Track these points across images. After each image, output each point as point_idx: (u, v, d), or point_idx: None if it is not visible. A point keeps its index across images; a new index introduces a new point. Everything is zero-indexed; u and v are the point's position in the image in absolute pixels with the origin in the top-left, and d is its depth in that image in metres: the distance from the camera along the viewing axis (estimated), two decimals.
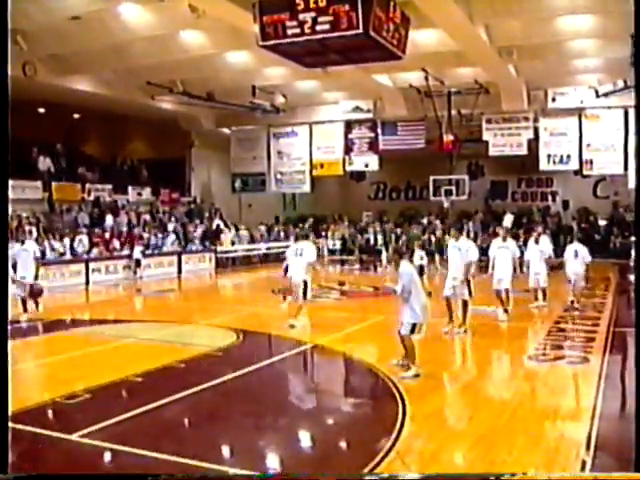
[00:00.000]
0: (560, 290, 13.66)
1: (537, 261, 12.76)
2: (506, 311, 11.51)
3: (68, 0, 14.61)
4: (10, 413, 4.31)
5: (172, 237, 23.19)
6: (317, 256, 12.26)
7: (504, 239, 11.87)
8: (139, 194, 24.87)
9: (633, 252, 17.65)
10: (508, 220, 24.91)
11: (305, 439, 6.12)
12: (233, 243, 25.03)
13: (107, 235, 21.10)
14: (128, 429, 6.00)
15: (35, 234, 17.47)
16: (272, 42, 10.11)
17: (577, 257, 12.72)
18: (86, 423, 5.95)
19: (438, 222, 26.11)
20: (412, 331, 7.85)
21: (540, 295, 12.88)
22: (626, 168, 21.81)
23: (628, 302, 13.99)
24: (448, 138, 22.09)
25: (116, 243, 20.76)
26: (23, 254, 12.04)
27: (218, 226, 25.43)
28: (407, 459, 5.24)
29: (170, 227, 23.83)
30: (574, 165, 23.25)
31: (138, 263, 20.05)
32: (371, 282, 17.83)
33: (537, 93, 22.43)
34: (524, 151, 23.45)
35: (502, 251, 11.64)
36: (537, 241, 13.11)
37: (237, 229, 26.02)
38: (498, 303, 12.34)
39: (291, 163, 26.75)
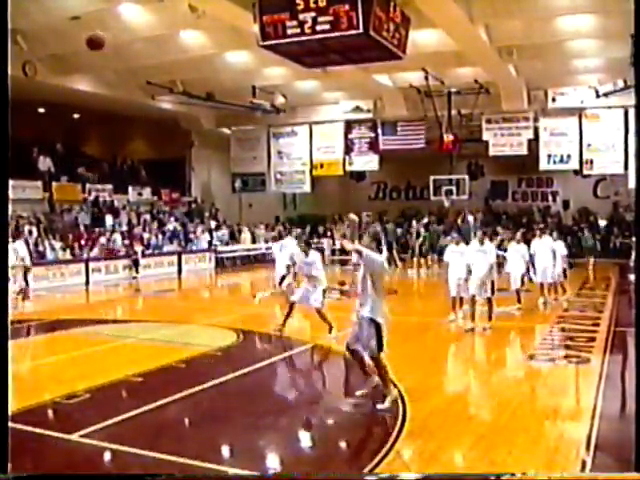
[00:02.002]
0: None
1: (514, 262, 12.52)
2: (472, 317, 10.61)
3: (68, 0, 14.61)
4: (10, 413, 4.31)
5: (206, 236, 23.76)
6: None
7: (481, 242, 10.98)
8: (139, 194, 24.88)
9: (633, 252, 17.63)
10: (470, 220, 24.95)
11: (305, 439, 6.12)
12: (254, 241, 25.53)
13: (108, 235, 21.14)
14: (128, 429, 6.00)
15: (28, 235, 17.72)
16: (272, 42, 10.14)
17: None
18: (86, 423, 5.94)
19: (414, 223, 26.10)
20: (380, 345, 6.47)
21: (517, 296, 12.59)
22: (626, 168, 21.80)
23: (628, 302, 13.99)
24: (448, 138, 22.09)
25: (117, 243, 20.78)
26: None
27: (218, 226, 25.61)
28: (407, 459, 5.24)
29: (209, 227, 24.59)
30: (574, 165, 23.25)
31: (137, 263, 20.11)
32: None
33: (537, 93, 22.43)
34: (524, 151, 23.44)
35: (479, 255, 10.79)
36: (518, 242, 12.93)
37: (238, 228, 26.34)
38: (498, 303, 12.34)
39: (291, 163, 26.74)
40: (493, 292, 10.78)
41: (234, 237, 25.90)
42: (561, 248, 13.66)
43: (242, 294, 19.10)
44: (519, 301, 12.50)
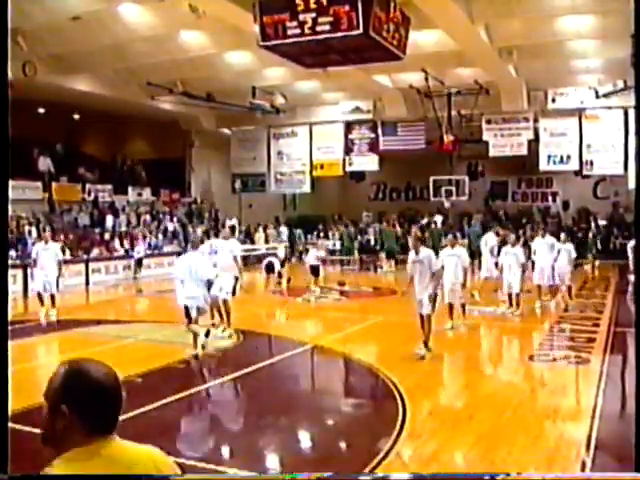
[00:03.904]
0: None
1: (509, 266, 11.87)
2: (451, 328, 10.33)
3: (68, 0, 14.61)
4: (10, 413, 4.31)
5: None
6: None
7: (452, 245, 10.82)
8: (139, 194, 24.87)
9: (630, 252, 17.56)
10: (437, 220, 25.04)
11: (305, 439, 6.12)
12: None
13: (107, 235, 21.15)
14: (128, 429, 5.97)
15: (35, 235, 17.71)
16: (272, 42, 10.13)
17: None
18: None
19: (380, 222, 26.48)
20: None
21: (514, 302, 11.96)
22: (626, 169, 21.79)
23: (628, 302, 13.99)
24: (448, 138, 22.07)
25: (116, 243, 20.79)
26: (45, 254, 12.73)
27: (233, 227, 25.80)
28: (407, 459, 5.23)
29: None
30: (574, 165, 23.25)
31: (140, 263, 20.14)
32: (371, 282, 17.83)
33: (537, 93, 22.42)
34: (524, 152, 23.44)
35: (451, 259, 10.46)
36: (513, 245, 12.32)
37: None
38: (500, 303, 12.32)
39: (291, 163, 26.74)
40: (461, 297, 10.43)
41: (250, 236, 26.02)
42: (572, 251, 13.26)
43: (242, 294, 19.06)
44: (518, 305, 12.10)
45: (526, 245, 15.10)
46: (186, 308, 8.81)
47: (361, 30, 9.37)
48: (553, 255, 12.92)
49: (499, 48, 17.43)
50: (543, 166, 23.70)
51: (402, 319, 10.67)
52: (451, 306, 10.53)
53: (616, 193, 26.35)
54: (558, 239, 13.72)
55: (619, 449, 5.21)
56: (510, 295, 11.98)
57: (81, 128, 25.63)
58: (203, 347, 8.87)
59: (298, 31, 9.72)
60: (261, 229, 26.42)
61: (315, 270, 15.60)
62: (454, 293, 10.47)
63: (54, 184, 21.38)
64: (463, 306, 10.75)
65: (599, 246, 23.79)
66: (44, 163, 21.52)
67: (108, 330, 11.23)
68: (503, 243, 13.24)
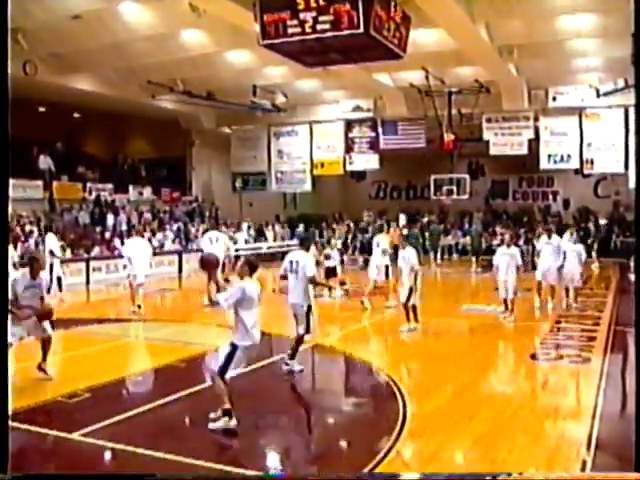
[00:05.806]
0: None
1: (505, 268, 11.37)
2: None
3: None
4: (11, 412, 4.31)
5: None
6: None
7: (403, 247, 10.64)
8: (140, 193, 24.88)
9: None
10: (402, 220, 24.97)
11: (305, 439, 6.12)
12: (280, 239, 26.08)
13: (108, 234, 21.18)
14: (129, 428, 6.00)
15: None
16: (273, 41, 10.14)
17: None
18: (87, 422, 5.95)
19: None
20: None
21: (510, 305, 11.54)
22: (627, 167, 21.79)
23: (629, 301, 13.97)
24: (449, 137, 22.07)
25: (117, 242, 20.78)
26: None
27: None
28: (407, 459, 5.24)
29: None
30: (575, 164, 23.26)
31: None
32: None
33: (538, 92, 22.41)
34: (525, 150, 23.45)
35: (401, 261, 10.51)
36: (509, 245, 11.75)
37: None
38: (498, 302, 12.30)
39: (292, 162, 26.74)
40: (409, 299, 10.32)
41: (262, 235, 26.21)
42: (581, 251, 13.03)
43: None
44: (512, 309, 11.67)
45: (529, 244, 14.99)
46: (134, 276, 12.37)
47: (362, 29, 9.37)
48: (559, 256, 12.66)
49: (499, 47, 17.44)
50: (544, 165, 23.70)
51: (402, 318, 10.67)
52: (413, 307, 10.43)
53: (617, 192, 26.39)
54: (561, 238, 13.64)
55: (619, 449, 5.22)
56: (505, 300, 11.60)
57: (82, 127, 25.64)
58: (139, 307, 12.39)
59: (299, 30, 9.73)
60: (271, 227, 26.65)
61: (332, 271, 15.57)
62: (404, 294, 10.37)
63: (55, 183, 21.40)
64: (414, 308, 10.47)
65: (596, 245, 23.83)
66: (45, 162, 21.52)
67: (109, 329, 11.23)
68: (499, 243, 13.05)
